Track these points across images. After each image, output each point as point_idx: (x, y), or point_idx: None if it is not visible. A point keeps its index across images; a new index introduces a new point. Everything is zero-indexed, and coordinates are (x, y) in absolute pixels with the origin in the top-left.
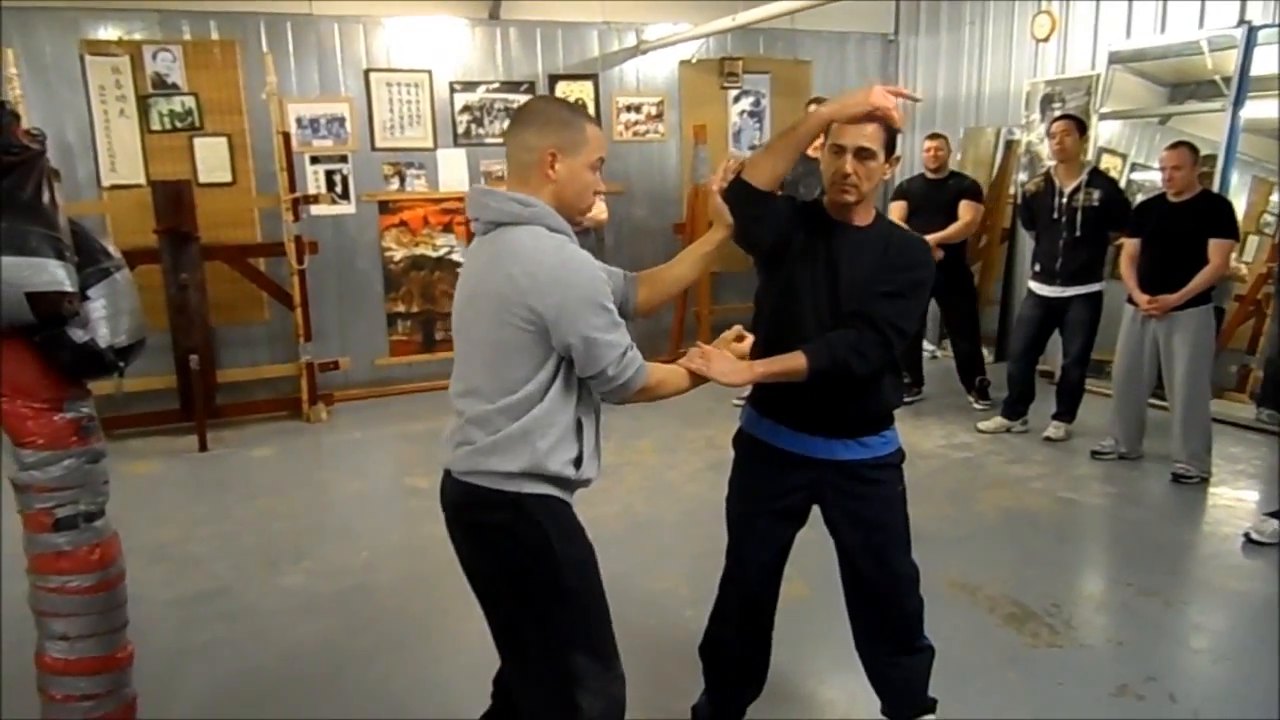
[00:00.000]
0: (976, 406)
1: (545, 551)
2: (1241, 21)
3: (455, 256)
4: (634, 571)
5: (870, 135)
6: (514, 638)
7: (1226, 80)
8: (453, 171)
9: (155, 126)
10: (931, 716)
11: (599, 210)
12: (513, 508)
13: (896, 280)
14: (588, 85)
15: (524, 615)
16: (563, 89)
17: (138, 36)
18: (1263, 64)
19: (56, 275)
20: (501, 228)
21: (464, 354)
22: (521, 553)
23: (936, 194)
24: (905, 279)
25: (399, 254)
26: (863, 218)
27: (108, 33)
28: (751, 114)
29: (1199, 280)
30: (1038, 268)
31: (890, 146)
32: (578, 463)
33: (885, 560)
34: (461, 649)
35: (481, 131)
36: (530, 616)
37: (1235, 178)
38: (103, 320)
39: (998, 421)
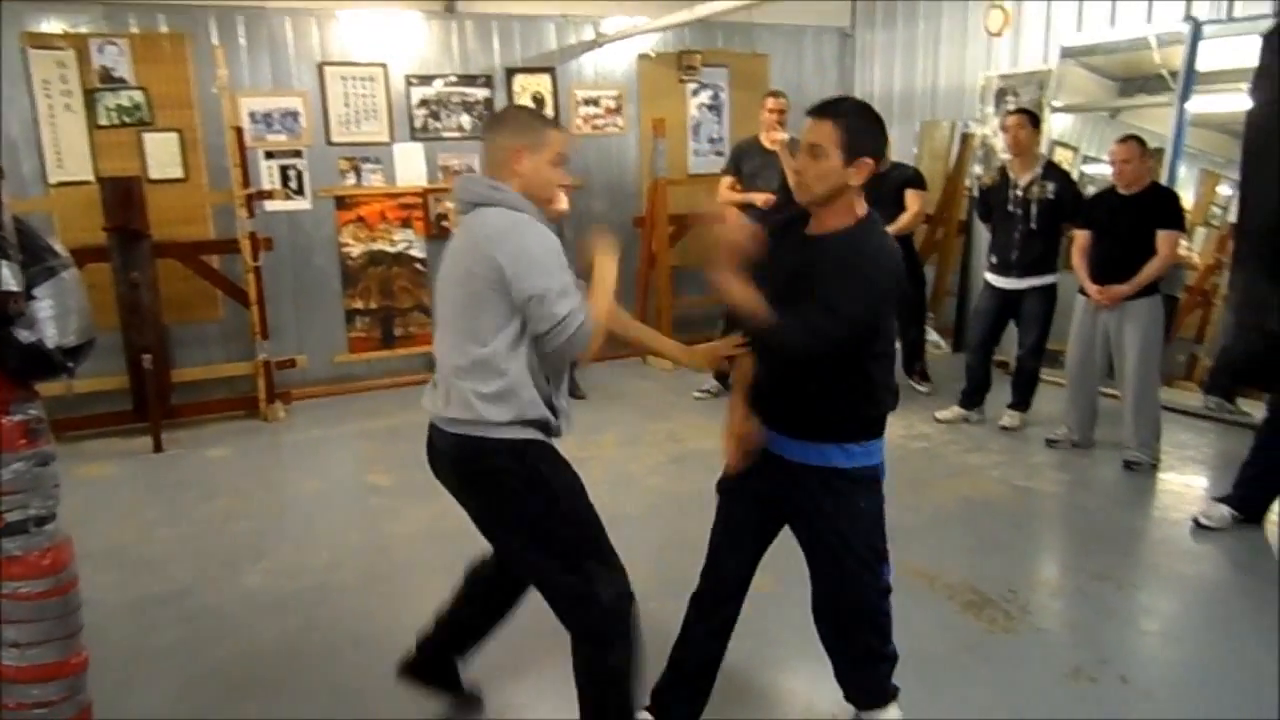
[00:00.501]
0: (920, 389)
1: (543, 485)
2: (1188, 17)
3: (414, 252)
4: None
5: (821, 131)
6: (529, 560)
7: (1174, 75)
8: (410, 166)
9: (103, 121)
10: (894, 705)
11: (560, 201)
12: (509, 452)
13: (845, 270)
14: (545, 78)
15: (535, 541)
16: (520, 82)
17: (83, 29)
18: (1208, 59)
19: (1, 275)
20: (478, 208)
21: (444, 317)
22: (524, 489)
23: (880, 187)
24: (854, 268)
25: (356, 250)
26: (834, 222)
27: (51, 25)
28: (710, 107)
29: (1148, 271)
30: (994, 260)
31: (853, 149)
32: (552, 406)
33: (844, 573)
34: None
35: (439, 125)
36: (540, 541)
37: (1183, 170)
38: (50, 320)
39: (955, 411)
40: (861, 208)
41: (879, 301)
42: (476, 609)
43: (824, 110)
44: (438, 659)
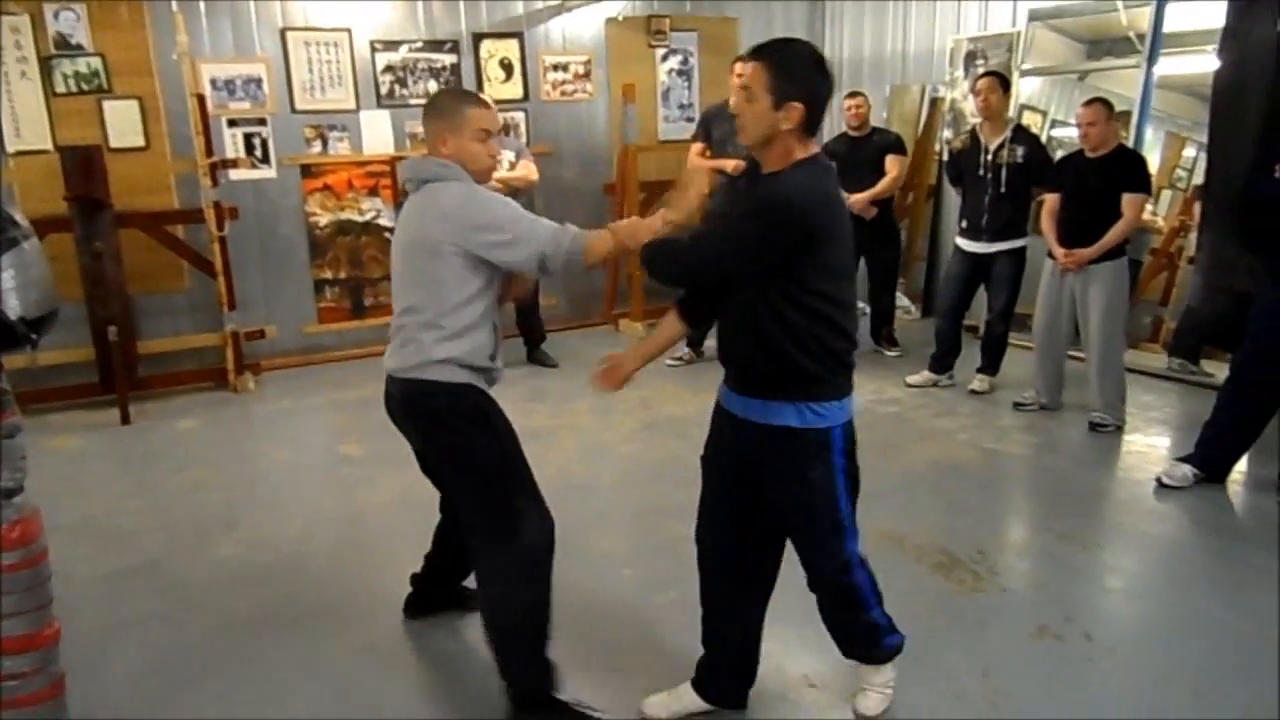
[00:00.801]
0: (888, 354)
1: (484, 422)
2: None
3: (382, 221)
4: (572, 533)
5: (748, 73)
6: (468, 494)
7: (1141, 37)
8: (377, 133)
9: (60, 89)
10: (886, 667)
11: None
12: (453, 393)
13: (742, 207)
14: (513, 44)
15: (475, 474)
16: (487, 48)
17: None
18: (1175, 21)
19: None
20: (427, 184)
21: (404, 282)
22: (466, 426)
23: (861, 151)
24: (750, 204)
25: (324, 219)
26: (773, 164)
27: None
28: (680, 72)
29: (1112, 234)
30: (964, 224)
31: (781, 94)
32: (492, 356)
33: (798, 538)
34: (399, 615)
35: (405, 92)
36: (480, 474)
37: (1149, 133)
38: (11, 291)
39: (925, 375)
40: (804, 150)
41: (755, 238)
42: (448, 559)
43: (754, 52)
44: (434, 592)
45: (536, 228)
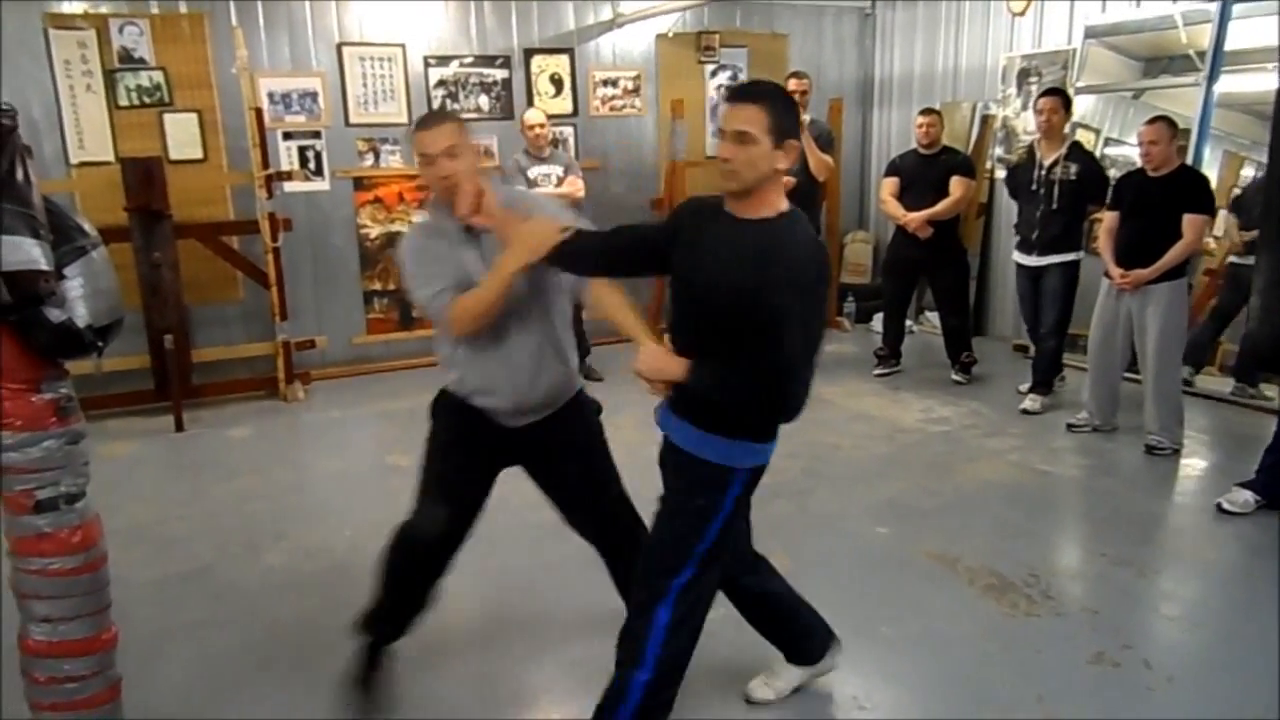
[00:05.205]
0: (955, 379)
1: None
2: None
3: None
4: None
5: (749, 118)
6: None
7: (1200, 55)
8: None
9: (123, 102)
10: None
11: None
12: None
13: (762, 282)
14: (564, 59)
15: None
16: (538, 63)
17: (103, 9)
18: (1236, 38)
19: (32, 254)
20: None
21: None
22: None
23: (928, 170)
24: (773, 278)
25: (375, 231)
26: (751, 210)
27: (72, 6)
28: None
29: (1171, 255)
30: (1018, 238)
31: (781, 131)
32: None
33: None
34: (445, 626)
35: (457, 106)
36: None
37: (1208, 152)
38: (80, 299)
39: (1037, 399)
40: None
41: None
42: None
43: (746, 94)
44: None
45: (420, 289)
